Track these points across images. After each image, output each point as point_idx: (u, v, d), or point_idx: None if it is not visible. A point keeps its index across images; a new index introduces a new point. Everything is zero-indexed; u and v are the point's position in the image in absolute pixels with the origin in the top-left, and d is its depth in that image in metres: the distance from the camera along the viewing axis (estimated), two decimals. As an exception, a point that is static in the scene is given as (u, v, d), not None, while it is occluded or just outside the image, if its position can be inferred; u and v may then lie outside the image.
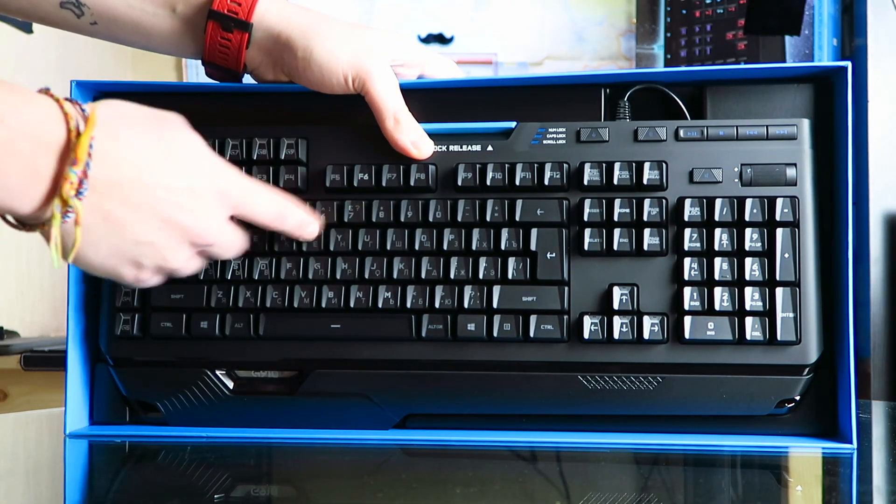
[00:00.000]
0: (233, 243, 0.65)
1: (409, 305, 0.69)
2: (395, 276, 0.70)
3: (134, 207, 0.57)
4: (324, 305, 0.70)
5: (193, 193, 0.60)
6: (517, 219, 0.69)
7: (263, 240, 0.71)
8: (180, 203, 0.59)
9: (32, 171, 0.53)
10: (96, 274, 0.61)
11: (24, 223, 0.56)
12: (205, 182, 0.61)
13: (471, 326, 0.69)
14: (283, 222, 0.67)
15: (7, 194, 0.53)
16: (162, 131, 0.60)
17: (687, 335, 0.67)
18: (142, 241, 0.59)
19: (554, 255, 0.69)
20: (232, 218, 0.64)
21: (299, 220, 0.68)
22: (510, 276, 0.69)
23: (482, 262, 0.69)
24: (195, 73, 1.93)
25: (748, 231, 0.67)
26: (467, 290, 0.69)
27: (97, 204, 0.56)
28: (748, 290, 0.67)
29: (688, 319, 0.67)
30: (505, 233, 0.69)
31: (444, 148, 0.71)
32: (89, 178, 0.55)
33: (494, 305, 0.69)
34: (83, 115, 0.56)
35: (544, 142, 0.70)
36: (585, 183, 0.69)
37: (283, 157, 0.71)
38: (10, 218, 0.56)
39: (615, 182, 0.69)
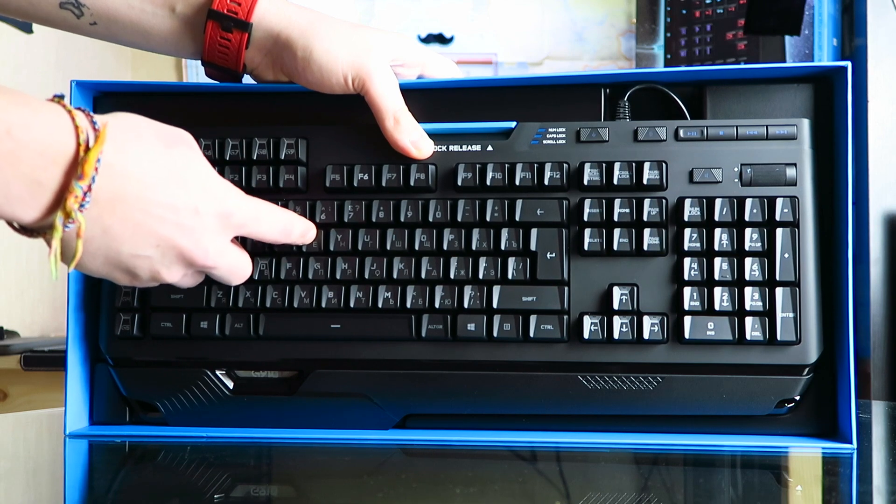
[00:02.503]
0: (236, 268, 0.65)
1: (409, 305, 0.69)
2: (395, 276, 0.70)
3: (134, 224, 0.57)
4: (324, 305, 0.70)
5: (197, 214, 0.60)
6: (517, 219, 0.69)
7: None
8: (181, 223, 0.59)
9: (35, 182, 0.53)
10: (91, 275, 0.61)
11: (28, 229, 0.56)
12: (210, 204, 0.61)
13: (471, 326, 0.69)
14: (288, 237, 0.68)
15: (8, 203, 0.53)
16: (171, 150, 0.60)
17: (687, 335, 0.67)
18: (137, 255, 0.59)
19: (554, 255, 0.69)
20: (236, 239, 0.65)
21: (301, 232, 0.69)
22: (510, 276, 0.69)
23: (482, 262, 0.69)
24: (195, 73, 1.93)
25: (748, 231, 0.67)
26: (467, 290, 0.69)
27: (98, 217, 0.56)
28: (748, 290, 0.67)
29: (688, 319, 0.67)
30: (505, 233, 0.69)
31: (444, 148, 0.71)
32: (93, 191, 0.55)
33: (494, 305, 0.69)
34: (94, 129, 0.55)
35: (544, 142, 0.70)
36: (585, 183, 0.69)
37: (283, 157, 0.71)
38: (14, 224, 0.57)
39: (615, 182, 0.69)
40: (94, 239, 0.57)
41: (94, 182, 0.54)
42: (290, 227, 0.68)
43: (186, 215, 0.59)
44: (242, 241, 0.69)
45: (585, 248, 0.69)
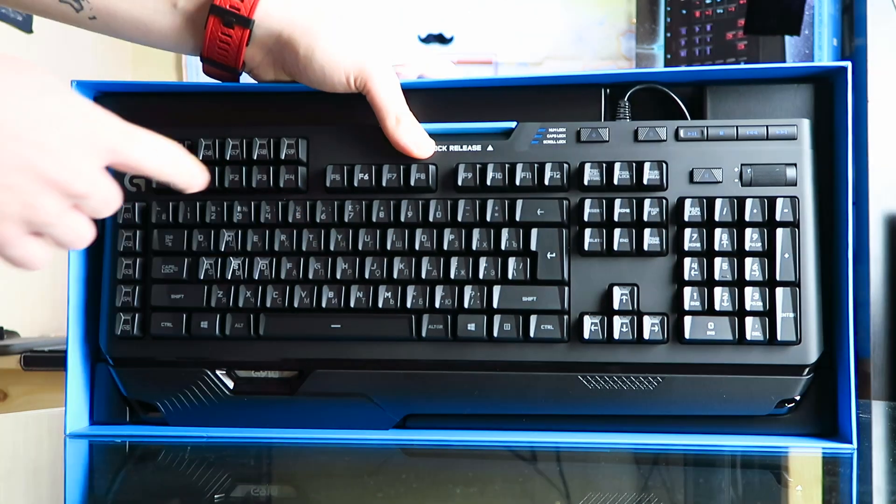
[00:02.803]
0: (110, 199, 0.58)
1: (409, 305, 0.69)
2: (395, 276, 0.70)
3: None
4: (324, 305, 0.70)
5: (58, 131, 0.54)
6: (517, 219, 0.69)
7: (263, 239, 0.71)
8: (41, 142, 0.53)
9: None
10: None
11: None
12: (73, 121, 0.55)
13: (471, 326, 0.69)
14: (173, 173, 0.60)
15: None
16: (21, 74, 0.55)
17: (687, 335, 0.67)
18: None
19: (554, 255, 0.69)
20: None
21: (190, 172, 0.61)
22: (510, 276, 0.69)
23: (482, 262, 0.69)
24: (195, 73, 1.93)
25: (748, 231, 0.67)
26: (467, 290, 0.69)
27: None
28: (748, 291, 0.67)
29: (688, 319, 0.67)
30: (505, 233, 0.69)
31: (444, 148, 0.71)
32: None
33: (494, 305, 0.69)
34: None
35: (544, 142, 0.70)
36: (585, 183, 0.69)
37: (283, 157, 0.71)
38: None
39: (615, 182, 0.69)
40: None
41: None
42: (176, 161, 0.60)
43: (46, 132, 0.54)
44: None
45: (586, 248, 0.69)
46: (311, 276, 0.70)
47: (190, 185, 0.61)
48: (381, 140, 0.70)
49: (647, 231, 0.68)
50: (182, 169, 0.60)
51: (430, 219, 0.70)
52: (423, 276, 0.69)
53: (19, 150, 0.53)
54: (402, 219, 0.70)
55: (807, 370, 0.67)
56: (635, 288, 0.68)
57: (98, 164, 0.56)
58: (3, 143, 0.53)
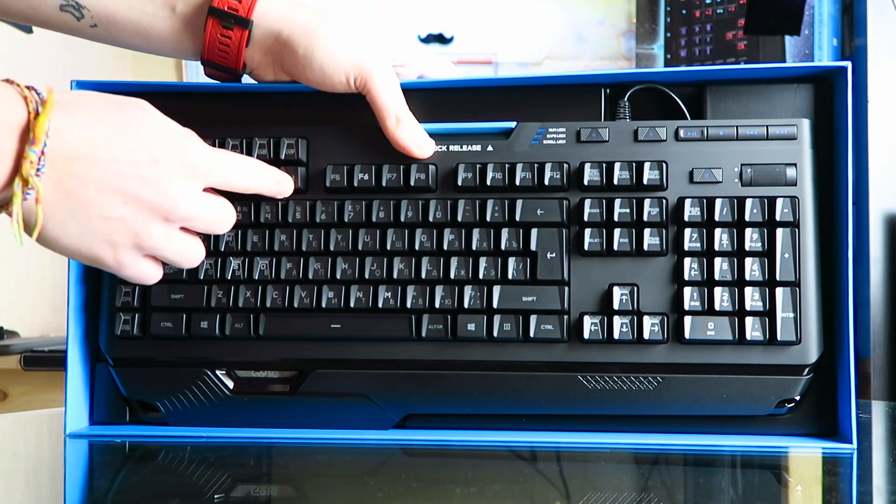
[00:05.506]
0: (218, 217, 0.65)
1: (409, 305, 0.69)
2: (395, 276, 0.70)
3: (95, 183, 0.58)
4: (324, 305, 0.70)
5: (157, 166, 0.60)
6: (517, 219, 0.69)
7: (263, 239, 0.71)
8: (143, 176, 0.59)
9: None
10: (77, 258, 0.61)
11: None
12: (169, 155, 0.61)
13: (471, 326, 0.69)
14: (260, 185, 0.68)
15: None
16: (121, 109, 0.61)
17: (687, 335, 0.67)
18: (109, 217, 0.59)
19: (554, 255, 0.69)
20: (213, 191, 0.65)
21: (275, 180, 0.69)
22: (510, 276, 0.69)
23: (482, 262, 0.69)
24: (195, 73, 1.93)
25: (748, 231, 0.67)
26: (467, 290, 0.69)
27: (58, 181, 0.57)
28: (748, 291, 0.67)
29: (688, 319, 0.67)
30: (505, 233, 0.69)
31: (444, 148, 0.71)
32: (46, 155, 0.56)
33: (494, 305, 0.69)
34: (41, 100, 0.57)
35: (544, 142, 0.70)
36: (585, 183, 0.69)
37: (283, 157, 0.71)
38: None
39: (615, 182, 0.69)
40: (60, 205, 0.58)
41: (46, 147, 0.56)
42: (259, 174, 0.68)
43: (147, 168, 0.60)
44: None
45: (585, 248, 0.69)
46: (311, 276, 0.70)
47: (276, 192, 0.69)
48: (381, 140, 0.70)
49: (646, 231, 0.68)
50: (266, 181, 0.68)
51: (430, 219, 0.70)
52: (423, 276, 0.69)
53: (126, 187, 0.59)
54: (402, 219, 0.70)
55: (807, 370, 0.67)
56: (635, 288, 0.68)
57: (198, 189, 0.63)
58: (112, 180, 0.58)
